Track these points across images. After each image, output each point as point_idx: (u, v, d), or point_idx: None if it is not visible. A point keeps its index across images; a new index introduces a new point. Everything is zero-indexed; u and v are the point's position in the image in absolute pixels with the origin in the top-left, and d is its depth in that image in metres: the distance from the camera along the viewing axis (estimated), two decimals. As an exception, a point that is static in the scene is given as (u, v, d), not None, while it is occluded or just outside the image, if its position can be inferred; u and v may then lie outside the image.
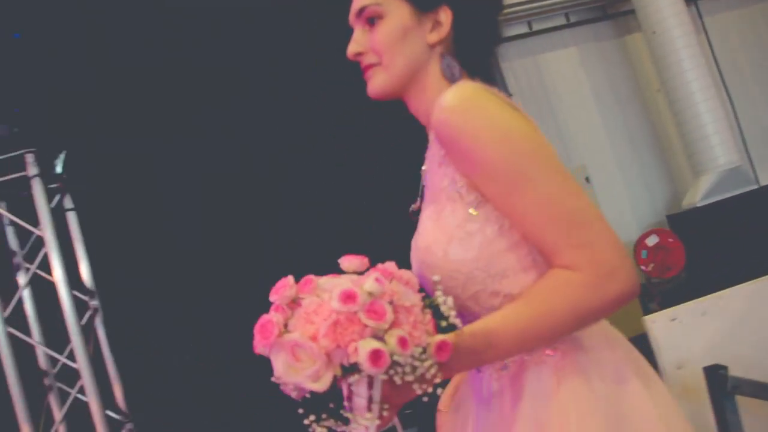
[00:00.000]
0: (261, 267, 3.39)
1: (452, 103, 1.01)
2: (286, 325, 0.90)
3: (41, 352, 3.39)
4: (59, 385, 3.43)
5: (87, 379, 3.20)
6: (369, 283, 0.89)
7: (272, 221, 3.79)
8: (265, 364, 0.92)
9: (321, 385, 0.86)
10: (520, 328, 0.98)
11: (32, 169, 3.21)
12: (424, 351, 0.90)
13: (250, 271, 3.53)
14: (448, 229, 1.06)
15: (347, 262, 0.99)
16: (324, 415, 0.90)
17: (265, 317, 0.90)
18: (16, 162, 3.23)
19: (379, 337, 0.87)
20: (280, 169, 3.82)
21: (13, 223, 3.40)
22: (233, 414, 3.72)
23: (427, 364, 0.89)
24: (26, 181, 3.24)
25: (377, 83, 1.14)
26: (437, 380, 0.91)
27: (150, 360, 3.59)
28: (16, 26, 3.09)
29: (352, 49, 1.15)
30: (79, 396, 3.29)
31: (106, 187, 3.67)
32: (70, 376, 3.35)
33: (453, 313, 0.96)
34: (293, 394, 0.90)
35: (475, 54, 1.14)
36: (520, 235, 1.04)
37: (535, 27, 6.23)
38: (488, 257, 1.03)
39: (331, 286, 0.91)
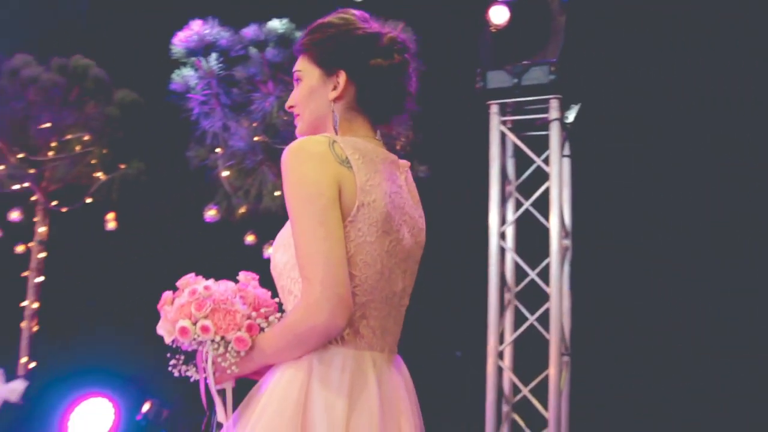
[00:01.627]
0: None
1: (288, 148, 1.40)
2: (173, 301, 1.44)
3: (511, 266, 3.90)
4: (517, 303, 3.92)
5: (554, 303, 3.61)
6: (201, 287, 1.40)
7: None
8: None
9: (167, 338, 1.41)
10: (268, 342, 1.40)
11: (554, 114, 3.62)
12: (223, 339, 1.37)
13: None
14: (283, 238, 1.45)
15: (241, 275, 1.51)
16: (182, 360, 1.46)
17: (167, 293, 1.47)
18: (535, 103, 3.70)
19: (194, 321, 1.37)
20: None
21: (515, 154, 3.91)
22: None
23: (221, 350, 1.37)
24: (544, 123, 3.69)
25: (298, 128, 1.55)
26: (234, 368, 1.38)
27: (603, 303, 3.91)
28: None
29: (287, 103, 1.57)
30: (536, 324, 3.74)
31: (602, 141, 3.98)
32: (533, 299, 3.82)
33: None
34: (167, 340, 1.42)
35: (375, 107, 1.50)
36: None
37: None
38: (294, 265, 1.38)
39: (205, 283, 1.43)
